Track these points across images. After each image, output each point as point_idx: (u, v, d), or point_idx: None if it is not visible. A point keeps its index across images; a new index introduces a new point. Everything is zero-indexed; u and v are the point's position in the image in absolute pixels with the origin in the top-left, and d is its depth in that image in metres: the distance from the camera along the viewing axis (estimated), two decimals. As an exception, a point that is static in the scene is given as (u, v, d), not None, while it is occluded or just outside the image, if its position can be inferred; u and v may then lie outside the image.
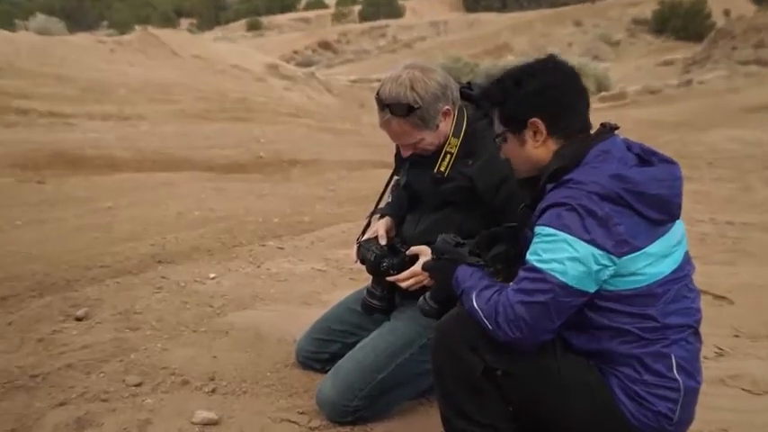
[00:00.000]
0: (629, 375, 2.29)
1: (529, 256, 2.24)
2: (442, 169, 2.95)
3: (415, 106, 2.81)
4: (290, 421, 3.12)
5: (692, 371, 2.32)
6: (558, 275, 2.16)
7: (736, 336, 4.45)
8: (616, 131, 2.41)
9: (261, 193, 8.81)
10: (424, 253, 2.85)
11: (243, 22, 60.48)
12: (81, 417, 3.04)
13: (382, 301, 3.12)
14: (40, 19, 25.37)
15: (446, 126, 2.94)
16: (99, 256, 5.56)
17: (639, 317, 2.25)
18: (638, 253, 2.20)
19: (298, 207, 8.10)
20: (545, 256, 2.18)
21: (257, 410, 3.19)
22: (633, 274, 2.21)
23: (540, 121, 2.35)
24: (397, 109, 2.82)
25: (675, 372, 2.28)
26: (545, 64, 2.43)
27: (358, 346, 3.20)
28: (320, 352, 3.49)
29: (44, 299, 4.49)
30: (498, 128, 2.47)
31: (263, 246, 6.28)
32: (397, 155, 3.16)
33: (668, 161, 2.35)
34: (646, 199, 2.20)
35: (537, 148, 2.39)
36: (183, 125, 12.02)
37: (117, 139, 10.51)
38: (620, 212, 2.17)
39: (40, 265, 5.21)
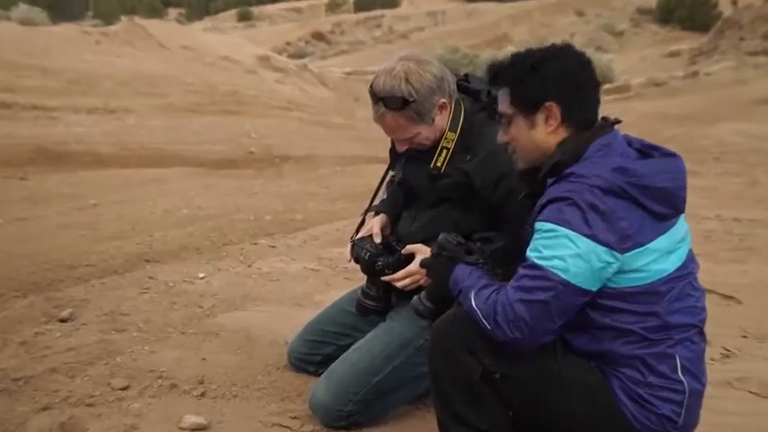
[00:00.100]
0: (632, 377, 2.28)
1: (529, 253, 2.24)
2: (439, 165, 2.95)
3: (410, 99, 2.80)
4: (281, 426, 3.12)
5: (696, 372, 2.32)
6: (559, 273, 2.15)
7: (744, 336, 4.45)
8: (618, 125, 2.41)
9: (252, 189, 8.81)
10: (421, 251, 2.86)
11: (233, 12, 60.48)
12: (65, 422, 3.03)
13: (377, 301, 3.12)
14: (22, 9, 25.22)
15: (442, 120, 2.93)
16: (84, 254, 5.55)
17: (643, 315, 2.25)
18: (642, 249, 2.19)
19: (290, 204, 8.11)
20: (546, 253, 2.18)
21: (248, 415, 3.19)
22: (637, 270, 2.21)
23: (556, 106, 2.34)
24: (391, 102, 2.82)
25: (680, 373, 2.28)
26: (565, 50, 2.42)
27: (352, 348, 3.19)
28: (313, 354, 3.48)
29: (27, 299, 4.49)
30: (507, 108, 2.43)
31: (255, 244, 6.28)
32: (392, 150, 3.16)
33: (671, 154, 2.36)
34: (650, 192, 2.19)
35: (548, 134, 2.37)
36: (172, 119, 12.00)
37: (103, 133, 10.48)
38: (624, 206, 2.16)
39: (23, 264, 5.20)
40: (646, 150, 2.37)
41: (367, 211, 3.36)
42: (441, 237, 2.62)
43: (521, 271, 2.24)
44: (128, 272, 5.22)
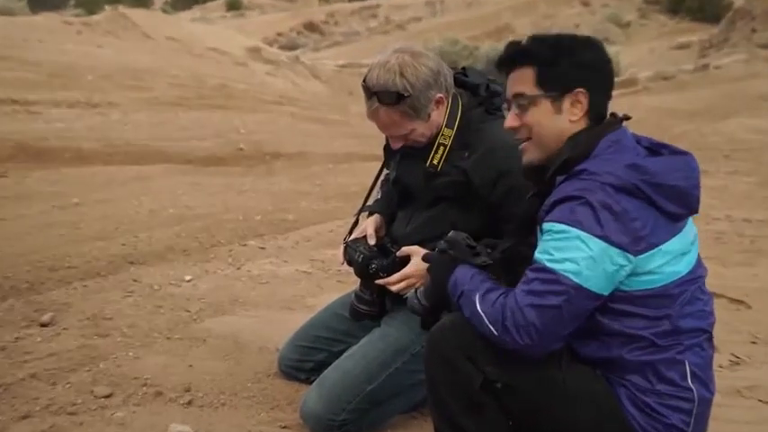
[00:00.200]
0: (640, 385, 2.28)
1: (539, 255, 2.22)
2: (435, 162, 2.95)
3: (405, 94, 2.80)
4: (271, 435, 3.13)
5: (705, 380, 2.32)
6: (571, 276, 2.13)
7: (754, 342, 4.47)
8: (626, 122, 2.41)
9: (241, 188, 8.82)
10: (417, 253, 2.86)
11: (222, 1, 60.26)
12: (46, 430, 3.03)
13: (371, 305, 3.12)
14: (-1, -2, 25.22)
15: (439, 116, 2.94)
16: (66, 256, 5.55)
17: (654, 320, 2.24)
18: (655, 250, 2.18)
19: (281, 203, 8.11)
20: (557, 256, 2.16)
21: (236, 424, 3.19)
22: (650, 273, 2.20)
23: (585, 94, 2.33)
24: (385, 97, 2.82)
25: (689, 380, 2.28)
26: (592, 40, 2.42)
27: (345, 354, 3.20)
28: (305, 361, 3.49)
29: (6, 302, 4.48)
30: (529, 89, 2.36)
31: (244, 245, 6.29)
32: (387, 147, 3.15)
33: (681, 152, 2.35)
34: (663, 190, 2.19)
35: (571, 123, 2.34)
36: (157, 114, 11.98)
37: (85, 128, 10.47)
38: (637, 206, 2.15)
39: (2, 266, 5.19)
40: (654, 148, 2.36)
41: (360, 211, 3.36)
42: (451, 233, 2.59)
43: (530, 274, 2.22)
44: (111, 274, 5.22)
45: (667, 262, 2.22)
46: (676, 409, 2.27)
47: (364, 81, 2.88)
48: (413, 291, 2.68)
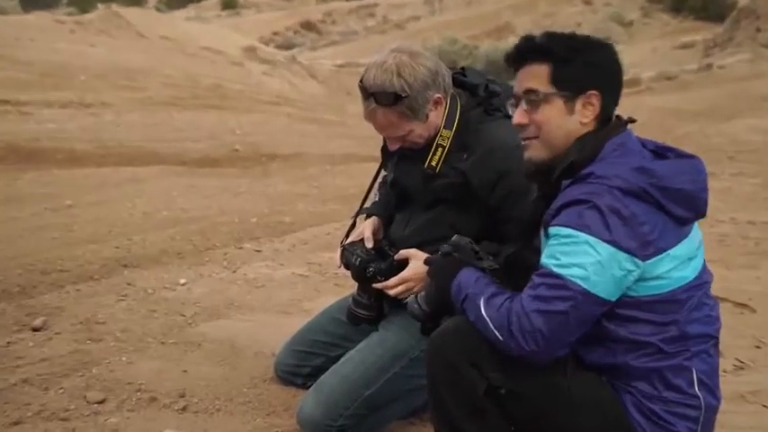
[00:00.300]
0: (646, 392, 2.28)
1: (545, 260, 2.21)
2: (434, 164, 2.95)
3: (403, 95, 2.80)
4: (268, 441, 3.14)
5: (712, 387, 2.33)
6: (579, 281, 2.13)
7: (758, 347, 4.48)
8: (631, 124, 2.41)
9: (237, 190, 8.82)
10: (415, 257, 2.86)
11: (217, -1, 60.32)
12: (38, 437, 3.05)
13: (369, 309, 3.12)
14: (-9, -4, 25.27)
15: (437, 116, 2.94)
16: (58, 259, 5.55)
17: (661, 326, 2.24)
18: (663, 255, 2.18)
19: (277, 205, 8.12)
20: (564, 260, 2.15)
21: (232, 430, 3.20)
22: (658, 278, 2.20)
23: (598, 97, 2.32)
24: (382, 98, 2.82)
25: (696, 387, 2.28)
26: (606, 42, 2.41)
27: (343, 359, 3.20)
28: (301, 366, 3.49)
29: (-3, 307, 4.49)
30: (542, 86, 2.33)
31: (240, 248, 6.29)
32: (384, 148, 3.15)
33: (687, 155, 2.35)
34: (671, 194, 2.18)
35: (581, 124, 2.33)
36: (151, 114, 11.99)
37: (78, 129, 10.48)
38: (645, 210, 2.15)
39: (-8, 269, 5.21)
40: (660, 152, 2.36)
41: (358, 213, 3.36)
42: (455, 237, 2.58)
43: (536, 279, 2.21)
44: (104, 278, 5.22)
45: (675, 267, 2.22)
46: (683, 416, 2.27)
47: (361, 81, 2.88)
48: (413, 296, 2.68)
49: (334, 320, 3.45)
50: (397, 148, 3.01)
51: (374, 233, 3.18)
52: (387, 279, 2.94)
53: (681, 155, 2.35)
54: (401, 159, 3.12)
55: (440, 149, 2.95)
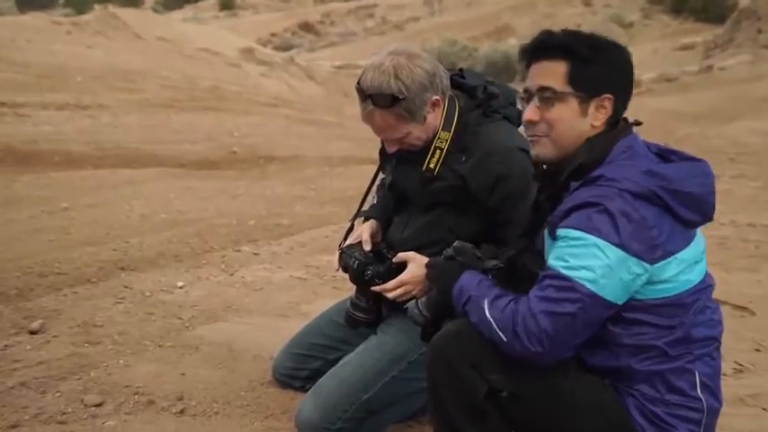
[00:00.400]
0: (648, 394, 2.28)
1: (553, 262, 2.21)
2: (432, 166, 2.95)
3: (400, 97, 2.80)
4: (266, 445, 3.14)
5: (714, 390, 2.33)
6: (587, 284, 2.13)
7: (757, 350, 4.49)
8: (637, 126, 2.41)
9: (234, 192, 8.82)
10: (413, 260, 2.86)
11: (214, 0, 60.24)
12: (35, 440, 3.05)
13: (367, 313, 3.11)
14: (-13, -3, 25.26)
15: (435, 118, 2.94)
16: (55, 262, 5.57)
17: (666, 329, 2.25)
18: (671, 258, 2.19)
19: (275, 208, 8.12)
20: (573, 263, 2.15)
21: (230, 433, 3.21)
22: (665, 281, 2.20)
23: (612, 100, 2.32)
24: (379, 100, 2.81)
25: (699, 390, 2.28)
26: (622, 45, 2.40)
27: (341, 362, 3.20)
28: (300, 369, 3.49)
29: (-6, 310, 4.50)
30: (558, 85, 2.30)
31: (237, 251, 6.29)
32: (382, 151, 3.15)
33: (693, 159, 2.35)
34: (681, 197, 2.18)
35: (592, 127, 2.32)
36: (148, 116, 11.99)
37: (75, 131, 10.49)
38: (655, 213, 2.15)
39: (-11, 272, 5.22)
40: (664, 154, 2.36)
41: (356, 216, 3.36)
42: (458, 243, 2.58)
43: (545, 281, 2.21)
44: (102, 280, 5.23)
45: (682, 270, 2.22)
46: (685, 419, 2.28)
47: (358, 83, 2.88)
48: (413, 301, 2.68)
49: (333, 323, 3.44)
50: (395, 150, 3.01)
51: (372, 236, 3.17)
52: (385, 282, 2.93)
53: (685, 157, 2.35)
54: (399, 162, 3.12)
55: (438, 152, 2.95)
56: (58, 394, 3.44)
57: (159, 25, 20.96)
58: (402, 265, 2.91)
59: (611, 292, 2.14)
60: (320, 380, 3.18)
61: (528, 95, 2.39)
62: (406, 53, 2.88)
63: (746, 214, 8.22)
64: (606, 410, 2.31)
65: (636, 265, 2.13)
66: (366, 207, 3.38)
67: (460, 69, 3.16)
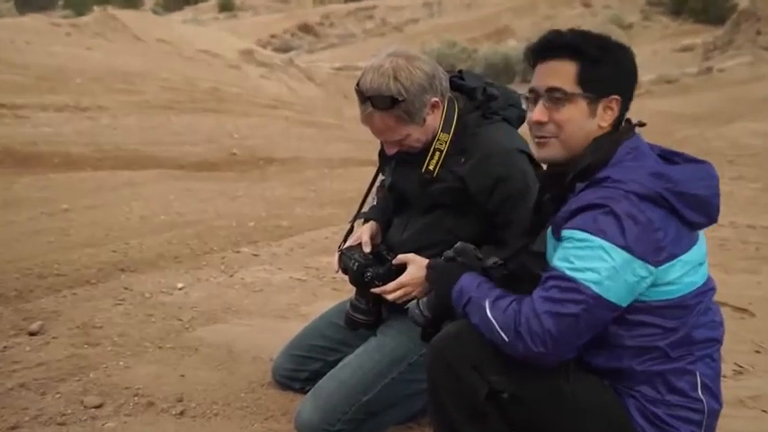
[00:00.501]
0: (649, 395, 2.28)
1: (558, 263, 2.20)
2: (431, 168, 2.96)
3: (399, 98, 2.80)
4: (265, 446, 3.14)
5: (715, 391, 2.34)
6: (592, 286, 2.12)
7: (757, 352, 4.48)
8: (640, 128, 2.41)
9: (234, 193, 8.82)
10: (413, 261, 2.86)
11: (214, 2, 60.18)
12: (35, 441, 3.05)
13: (367, 314, 3.12)
14: (-14, -1, 25.26)
15: (434, 120, 2.94)
16: (54, 263, 5.56)
17: (669, 330, 2.25)
18: (675, 261, 2.18)
19: (275, 209, 8.12)
20: (578, 264, 2.15)
21: (230, 435, 3.21)
22: (669, 283, 2.20)
23: (619, 101, 2.32)
24: (379, 102, 2.81)
25: (699, 391, 2.29)
26: (626, 45, 2.40)
27: (341, 364, 3.20)
28: (299, 370, 3.49)
29: (-7, 311, 4.50)
30: (569, 86, 2.29)
31: (237, 252, 6.29)
32: (381, 152, 3.15)
33: (697, 160, 2.35)
34: (687, 199, 2.19)
35: (599, 128, 2.32)
36: (148, 118, 11.98)
37: (74, 133, 10.48)
38: (661, 216, 2.15)
39: (-11, 273, 5.21)
40: (667, 156, 2.36)
41: (355, 217, 3.36)
42: (459, 244, 2.58)
43: (549, 281, 2.21)
44: (101, 282, 5.23)
45: (686, 272, 2.22)
46: (686, 420, 2.28)
47: (357, 85, 2.88)
48: (414, 302, 2.68)
49: (332, 325, 3.44)
50: (395, 152, 3.01)
51: (372, 238, 3.17)
52: (385, 284, 2.93)
53: (689, 159, 2.35)
54: (399, 163, 3.12)
55: (437, 153, 2.95)
56: (57, 396, 3.44)
57: (159, 27, 20.98)
58: (402, 267, 2.91)
59: (616, 294, 2.14)
60: (320, 381, 3.18)
61: (535, 96, 2.37)
62: (405, 55, 2.88)
63: (746, 216, 8.22)
64: (607, 412, 2.31)
65: (641, 268, 2.13)
66: (366, 209, 3.38)
67: (460, 71, 3.16)
